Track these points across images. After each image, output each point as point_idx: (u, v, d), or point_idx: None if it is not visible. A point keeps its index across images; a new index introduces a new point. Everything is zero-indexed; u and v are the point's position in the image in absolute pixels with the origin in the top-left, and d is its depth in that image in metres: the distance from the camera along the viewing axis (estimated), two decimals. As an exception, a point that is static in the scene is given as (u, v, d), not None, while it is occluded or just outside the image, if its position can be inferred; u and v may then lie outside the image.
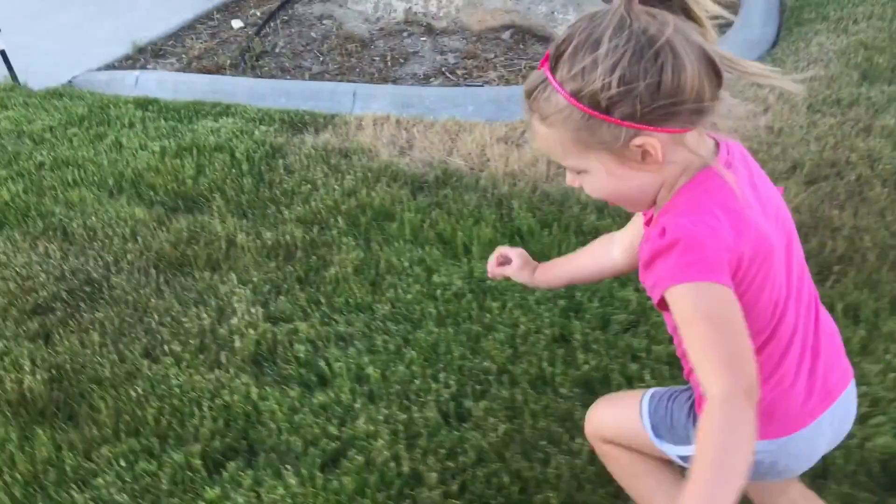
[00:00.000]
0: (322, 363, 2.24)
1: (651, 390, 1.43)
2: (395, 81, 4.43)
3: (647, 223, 1.23)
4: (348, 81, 4.38)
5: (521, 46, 4.65)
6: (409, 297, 2.46)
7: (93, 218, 2.95)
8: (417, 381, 2.14)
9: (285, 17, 5.24)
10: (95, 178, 3.23)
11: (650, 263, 1.09)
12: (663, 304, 1.09)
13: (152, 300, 2.53)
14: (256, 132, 3.57)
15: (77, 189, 3.16)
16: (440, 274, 2.55)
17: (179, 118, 3.81)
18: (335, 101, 4.05)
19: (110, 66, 4.73)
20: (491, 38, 4.76)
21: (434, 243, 2.72)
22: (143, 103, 4.01)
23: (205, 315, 2.44)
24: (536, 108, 1.11)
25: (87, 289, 2.60)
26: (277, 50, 4.84)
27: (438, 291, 2.47)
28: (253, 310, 2.44)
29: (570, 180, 1.20)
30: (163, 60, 4.86)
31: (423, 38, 4.82)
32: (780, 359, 1.21)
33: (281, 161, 3.31)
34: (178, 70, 4.67)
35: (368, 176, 3.17)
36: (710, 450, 0.97)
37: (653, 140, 1.06)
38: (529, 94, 1.12)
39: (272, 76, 4.54)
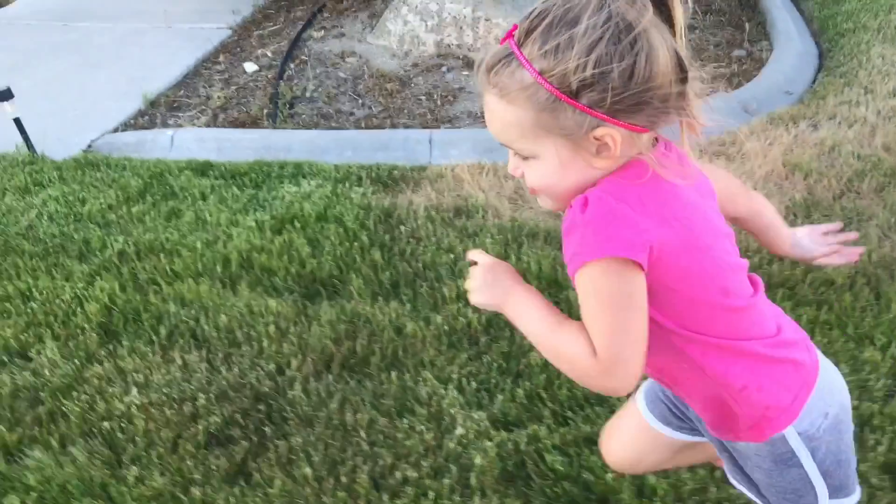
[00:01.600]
0: (587, 475, 1.96)
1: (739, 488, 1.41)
2: (450, 122, 4.16)
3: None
4: (404, 127, 4.09)
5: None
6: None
7: (222, 316, 2.57)
8: (713, 489, 1.90)
9: (304, 57, 4.88)
10: (198, 266, 2.83)
11: (568, 234, 1.07)
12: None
13: (347, 414, 2.19)
14: (353, 195, 3.23)
15: (183, 281, 2.76)
16: (658, 350, 2.31)
17: (252, 184, 3.43)
18: (409, 151, 3.75)
19: (129, 126, 4.26)
20: (537, 68, 4.53)
21: (626, 313, 2.48)
22: (199, 168, 3.60)
23: (420, 427, 2.13)
24: (497, 83, 1.05)
25: (262, 407, 2.24)
26: (308, 94, 4.49)
27: (668, 372, 2.23)
28: (475, 415, 2.15)
29: (514, 168, 1.14)
30: (182, 114, 4.43)
31: (465, 73, 4.56)
32: (761, 322, 1.22)
33: (402, 228, 2.99)
34: (206, 125, 4.26)
35: (508, 237, 2.90)
36: (554, 342, 1.13)
37: (614, 132, 1.03)
38: (491, 68, 1.06)
39: (315, 125, 4.19)
